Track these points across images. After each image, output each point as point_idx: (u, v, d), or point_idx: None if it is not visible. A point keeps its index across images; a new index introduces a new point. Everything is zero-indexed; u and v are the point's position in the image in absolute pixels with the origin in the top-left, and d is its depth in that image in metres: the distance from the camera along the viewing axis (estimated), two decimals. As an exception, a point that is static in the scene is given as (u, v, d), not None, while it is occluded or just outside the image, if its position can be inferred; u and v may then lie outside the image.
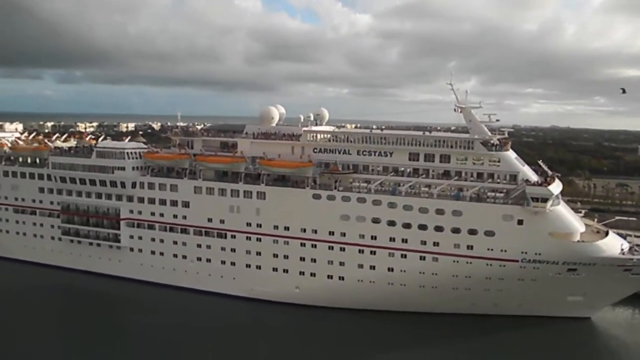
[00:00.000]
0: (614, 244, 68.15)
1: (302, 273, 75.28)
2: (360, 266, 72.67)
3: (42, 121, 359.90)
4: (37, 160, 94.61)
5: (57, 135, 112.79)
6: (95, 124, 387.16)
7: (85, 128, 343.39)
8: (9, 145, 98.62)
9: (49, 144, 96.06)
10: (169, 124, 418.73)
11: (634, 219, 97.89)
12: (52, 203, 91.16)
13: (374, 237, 71.84)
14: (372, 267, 72.21)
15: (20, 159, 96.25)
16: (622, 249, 67.89)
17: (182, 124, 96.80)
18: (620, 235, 73.48)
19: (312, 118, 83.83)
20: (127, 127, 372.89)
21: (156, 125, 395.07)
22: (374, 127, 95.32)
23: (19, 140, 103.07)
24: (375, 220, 71.58)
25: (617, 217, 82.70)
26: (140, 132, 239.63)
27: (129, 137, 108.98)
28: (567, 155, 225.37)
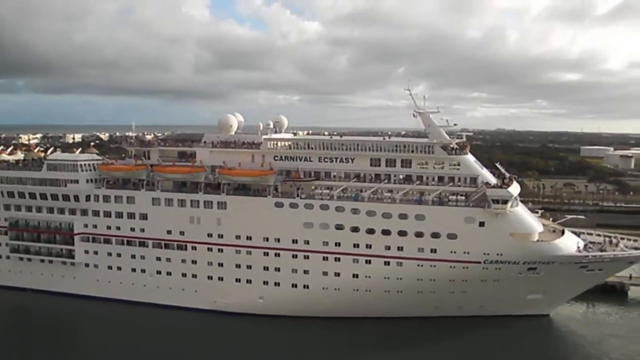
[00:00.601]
0: (570, 243, 70.29)
1: (266, 283, 74.27)
2: (325, 274, 72.28)
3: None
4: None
5: (1, 147, 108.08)
6: (39, 135, 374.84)
7: (29, 140, 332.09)
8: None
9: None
10: (117, 134, 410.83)
11: (583, 217, 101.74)
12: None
13: (337, 244, 71.61)
14: (337, 274, 71.93)
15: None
16: (578, 247, 70.10)
17: (132, 133, 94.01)
18: (575, 233, 75.94)
19: (271, 125, 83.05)
20: (73, 138, 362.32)
21: (104, 136, 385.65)
22: (326, 133, 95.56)
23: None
24: (339, 227, 71.40)
25: (570, 216, 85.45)
26: (92, 144, 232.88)
27: (79, 149, 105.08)
28: (515, 158, 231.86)
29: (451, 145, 73.13)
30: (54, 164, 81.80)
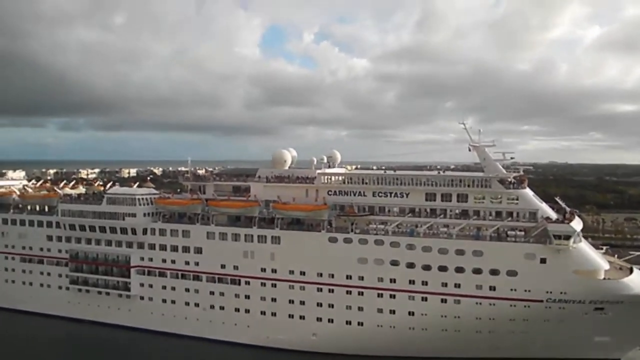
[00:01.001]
0: (640, 281, 66.61)
1: (319, 319, 73.13)
2: (380, 310, 70.73)
3: (45, 168, 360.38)
4: (46, 208, 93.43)
5: (64, 182, 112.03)
6: (97, 170, 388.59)
7: (88, 174, 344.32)
8: (17, 192, 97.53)
9: (58, 191, 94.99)
10: (170, 168, 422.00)
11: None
12: (60, 251, 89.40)
13: (393, 280, 70.15)
14: (392, 312, 70.25)
15: (29, 207, 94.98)
16: (649, 286, 66.27)
17: (185, 168, 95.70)
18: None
19: (325, 160, 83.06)
20: (129, 172, 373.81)
21: (158, 170, 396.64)
22: (375, 167, 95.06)
23: (27, 188, 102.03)
24: (394, 263, 70.04)
25: (638, 253, 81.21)
26: (149, 178, 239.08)
27: (136, 183, 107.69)
28: (571, 191, 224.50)
29: (508, 179, 71.27)
30: (113, 198, 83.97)
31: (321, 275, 72.87)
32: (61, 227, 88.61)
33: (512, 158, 73.97)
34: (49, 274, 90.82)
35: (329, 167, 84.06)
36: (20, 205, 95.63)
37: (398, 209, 74.02)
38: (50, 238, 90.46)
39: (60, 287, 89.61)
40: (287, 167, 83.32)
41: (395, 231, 71.23)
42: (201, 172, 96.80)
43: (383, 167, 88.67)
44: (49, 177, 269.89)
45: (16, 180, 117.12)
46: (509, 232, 68.20)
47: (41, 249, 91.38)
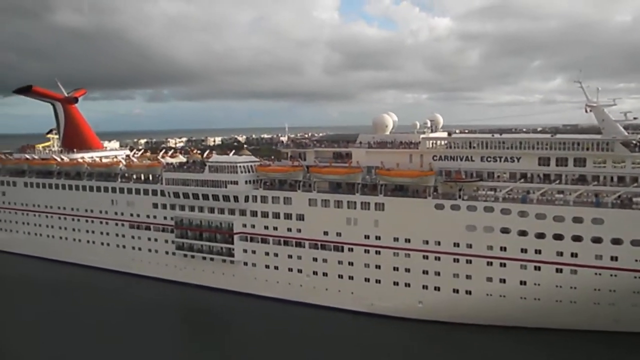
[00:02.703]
0: None
1: (425, 287, 71.70)
2: (489, 279, 68.25)
3: (136, 138, 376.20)
4: (150, 177, 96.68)
5: (163, 151, 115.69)
6: (184, 139, 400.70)
7: (176, 144, 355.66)
8: (123, 162, 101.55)
9: (161, 160, 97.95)
10: (253, 136, 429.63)
11: None
12: (165, 218, 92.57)
13: (503, 249, 67.29)
14: (502, 281, 67.62)
15: (134, 176, 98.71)
16: None
17: (285, 136, 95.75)
18: None
19: (428, 124, 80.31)
20: (214, 141, 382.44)
21: (241, 138, 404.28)
22: (458, 131, 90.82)
23: (132, 158, 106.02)
24: (505, 231, 67.05)
25: None
26: (245, 145, 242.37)
27: (232, 151, 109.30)
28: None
29: (633, 142, 65.98)
30: (215, 166, 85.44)
31: (427, 242, 71.10)
32: (166, 195, 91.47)
33: (635, 118, 68.50)
34: (155, 240, 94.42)
35: (432, 131, 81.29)
36: (126, 175, 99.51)
37: (508, 174, 70.64)
38: (155, 205, 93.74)
39: (166, 253, 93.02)
40: (388, 132, 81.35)
41: (505, 197, 68.08)
42: (284, 139, 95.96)
43: (465, 131, 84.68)
44: (140, 147, 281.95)
45: (120, 150, 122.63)
46: (634, 200, 63.38)
47: (148, 216, 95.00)
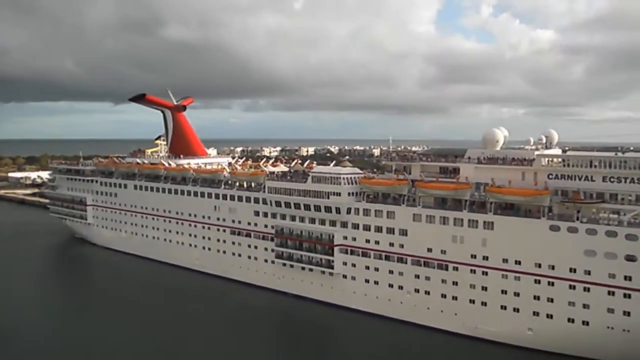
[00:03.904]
0: None
1: (536, 313, 67.22)
2: (611, 311, 62.78)
3: (232, 146, 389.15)
4: (252, 185, 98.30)
5: (264, 159, 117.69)
6: (278, 148, 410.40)
7: (270, 152, 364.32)
8: (227, 170, 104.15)
9: (264, 169, 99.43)
10: (346, 147, 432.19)
11: None
12: (266, 226, 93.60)
13: (628, 278, 61.72)
14: (627, 314, 61.97)
15: (237, 183, 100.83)
16: None
17: (390, 148, 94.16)
18: None
19: (543, 140, 75.86)
20: (307, 151, 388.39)
21: (334, 149, 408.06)
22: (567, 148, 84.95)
23: (236, 165, 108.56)
24: (630, 258, 61.53)
25: None
26: (345, 156, 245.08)
27: (333, 162, 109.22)
28: None
29: None
30: (318, 177, 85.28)
31: (539, 266, 66.76)
32: (267, 204, 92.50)
33: None
34: (255, 247, 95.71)
35: (546, 148, 76.69)
36: (229, 182, 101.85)
37: (634, 196, 64.96)
38: (257, 213, 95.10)
39: (266, 261, 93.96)
40: (498, 148, 77.70)
41: (631, 222, 62.57)
42: (376, 151, 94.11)
43: (566, 148, 78.76)
44: (236, 155, 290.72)
45: (222, 158, 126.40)
46: None
47: (249, 223, 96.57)
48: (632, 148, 78.88)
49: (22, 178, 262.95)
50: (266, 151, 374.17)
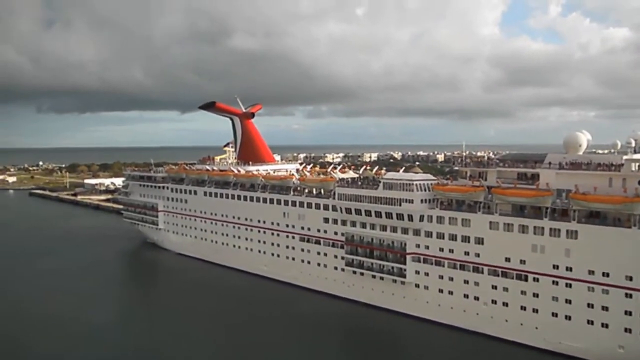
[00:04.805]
0: None
1: (628, 330, 62.80)
2: None
3: (295, 152, 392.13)
4: (322, 191, 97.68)
5: (332, 166, 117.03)
6: (341, 154, 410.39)
7: (333, 159, 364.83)
8: (297, 176, 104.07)
9: (334, 175, 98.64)
10: (409, 153, 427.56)
11: None
12: (336, 233, 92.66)
13: None
14: None
15: (306, 190, 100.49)
16: None
17: (463, 153, 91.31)
18: None
19: (632, 144, 71.28)
20: (370, 157, 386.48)
21: (397, 155, 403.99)
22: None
23: (305, 171, 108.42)
24: None
25: None
26: (411, 164, 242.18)
27: (402, 168, 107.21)
28: None
29: None
30: (389, 183, 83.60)
31: (630, 279, 62.38)
32: (337, 211, 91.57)
33: None
34: (325, 254, 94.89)
35: (635, 152, 72.00)
36: (298, 188, 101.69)
37: None
38: (326, 220, 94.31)
39: (335, 268, 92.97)
40: (581, 152, 73.69)
41: None
42: (439, 156, 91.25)
43: None
44: (299, 161, 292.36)
45: (289, 164, 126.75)
46: None
47: (318, 230, 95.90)
48: None
49: (96, 184, 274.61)
50: (329, 157, 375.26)
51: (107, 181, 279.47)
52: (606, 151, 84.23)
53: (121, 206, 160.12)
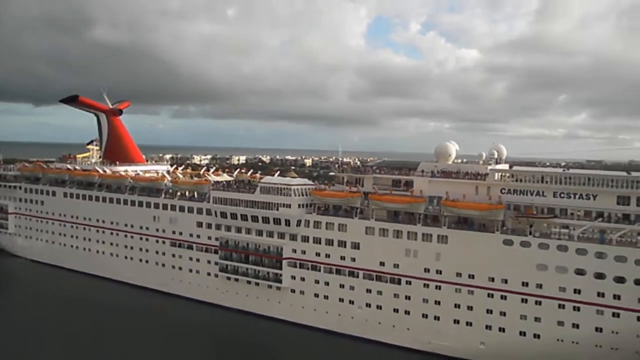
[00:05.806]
0: None
1: (488, 327, 67.45)
2: (561, 323, 63.89)
3: (160, 153, 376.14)
4: (196, 194, 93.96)
5: (205, 168, 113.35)
6: (209, 156, 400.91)
7: (201, 160, 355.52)
8: (169, 178, 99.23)
9: (209, 178, 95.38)
10: (277, 157, 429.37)
11: None
12: (210, 238, 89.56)
13: (577, 291, 63.06)
14: (575, 326, 63.21)
15: (179, 193, 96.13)
16: None
17: (339, 158, 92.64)
18: None
19: (495, 155, 76.76)
20: (238, 159, 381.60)
21: (266, 158, 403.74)
22: (481, 162, 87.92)
23: (177, 173, 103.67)
24: (580, 272, 62.91)
25: None
26: (276, 165, 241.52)
27: (278, 172, 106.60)
28: None
29: None
30: (267, 187, 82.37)
31: (492, 280, 67.13)
32: (212, 215, 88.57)
33: None
34: (198, 260, 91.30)
35: (496, 163, 77.70)
36: (170, 191, 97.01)
37: (583, 212, 66.70)
38: (200, 224, 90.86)
39: (209, 274, 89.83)
40: (450, 162, 78.00)
41: (580, 237, 64.02)
42: (308, 161, 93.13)
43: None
44: (166, 162, 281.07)
45: (160, 165, 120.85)
46: None
47: (191, 235, 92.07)
48: (547, 163, 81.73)
49: None
50: (196, 159, 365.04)
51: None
52: (465, 160, 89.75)
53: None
